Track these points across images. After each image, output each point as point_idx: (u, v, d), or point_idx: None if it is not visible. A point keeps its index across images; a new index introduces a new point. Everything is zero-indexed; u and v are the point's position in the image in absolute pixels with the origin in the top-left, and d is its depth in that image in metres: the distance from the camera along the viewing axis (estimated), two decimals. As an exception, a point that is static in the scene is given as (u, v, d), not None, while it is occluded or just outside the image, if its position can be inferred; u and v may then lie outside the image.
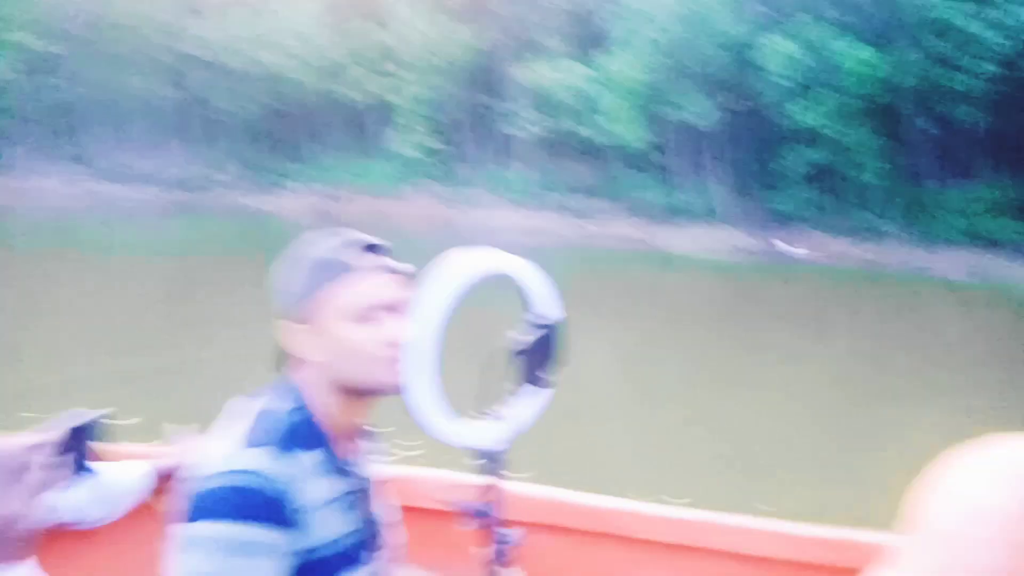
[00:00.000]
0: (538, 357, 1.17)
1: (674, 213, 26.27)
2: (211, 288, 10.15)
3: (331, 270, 1.05)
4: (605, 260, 21.43)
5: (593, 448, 6.97)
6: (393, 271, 1.10)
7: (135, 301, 8.75)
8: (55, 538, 1.28)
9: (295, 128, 33.69)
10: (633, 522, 1.76)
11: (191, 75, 32.39)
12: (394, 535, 1.28)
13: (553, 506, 1.81)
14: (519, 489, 1.76)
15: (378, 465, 1.22)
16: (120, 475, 1.40)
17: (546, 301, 1.19)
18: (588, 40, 27.75)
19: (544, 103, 27.30)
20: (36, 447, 0.83)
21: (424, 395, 1.05)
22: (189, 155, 34.21)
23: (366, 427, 1.19)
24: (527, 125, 27.78)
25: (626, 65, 25.46)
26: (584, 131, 26.86)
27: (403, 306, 1.07)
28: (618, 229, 25.87)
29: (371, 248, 1.10)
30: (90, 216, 21.69)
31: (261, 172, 32.64)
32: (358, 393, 1.08)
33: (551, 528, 1.80)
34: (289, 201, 29.74)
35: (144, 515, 1.43)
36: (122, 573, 1.50)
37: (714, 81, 25.42)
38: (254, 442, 1.00)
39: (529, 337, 1.14)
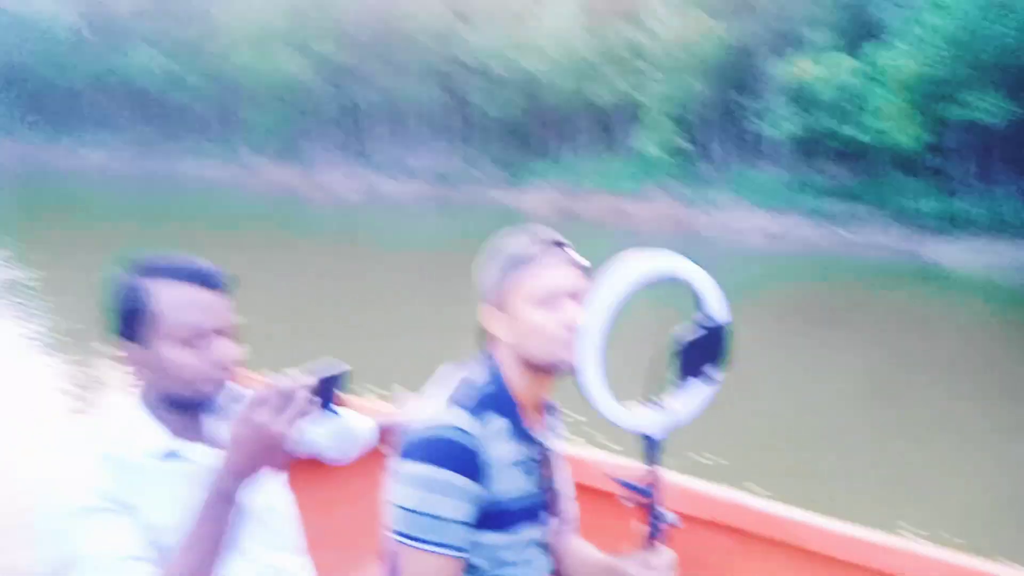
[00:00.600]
0: (704, 354, 1.25)
1: (951, 223, 23.09)
2: (458, 278, 11.08)
3: (520, 262, 1.23)
4: (860, 271, 19.43)
5: (824, 473, 6.54)
6: (574, 264, 1.26)
7: (394, 289, 9.82)
8: (299, 466, 1.62)
9: (545, 127, 35.14)
10: (799, 531, 1.74)
11: (457, 79, 35.23)
12: (570, 506, 1.44)
13: (710, 501, 1.85)
14: (679, 480, 1.84)
15: (558, 440, 1.38)
16: (356, 423, 1.70)
17: (716, 304, 1.26)
18: (859, 31, 25.33)
19: (802, 99, 25.45)
20: (297, 385, 1.03)
21: (592, 375, 1.19)
22: (450, 152, 37.37)
23: (549, 402, 1.36)
24: (780, 123, 26.09)
25: (902, 57, 22.86)
26: (847, 130, 24.59)
27: (582, 295, 1.21)
28: (879, 238, 23.37)
29: (556, 243, 1.26)
30: (366, 208, 24.54)
31: (510, 169, 34.55)
32: (540, 369, 1.25)
33: (708, 523, 1.84)
34: (533, 197, 31.11)
35: (371, 460, 1.73)
36: (349, 504, 1.82)
37: (1013, 74, 21.88)
38: (455, 404, 1.21)
39: (695, 335, 1.22)
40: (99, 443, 1.09)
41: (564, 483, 1.40)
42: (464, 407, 1.20)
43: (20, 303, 5.81)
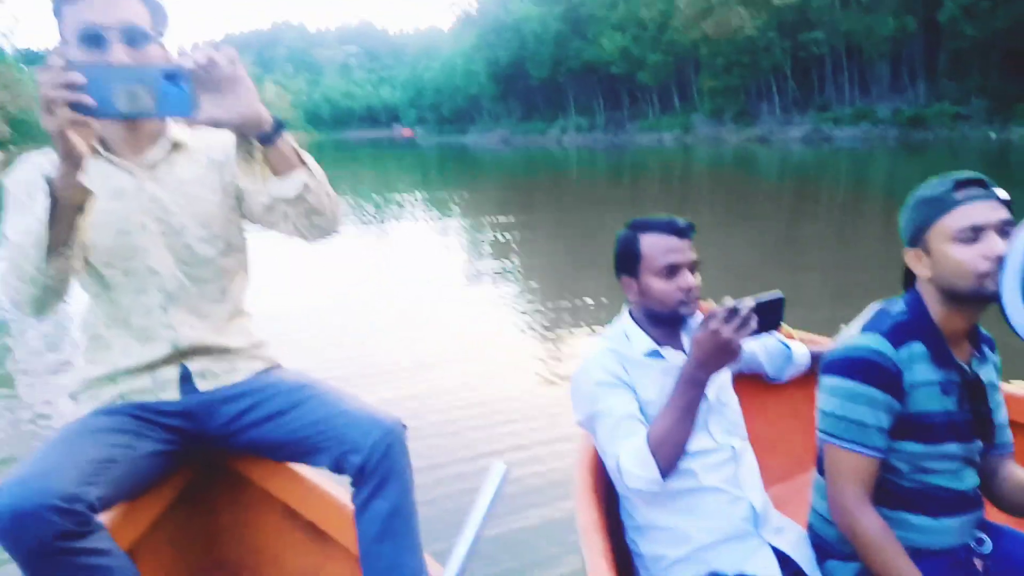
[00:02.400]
0: None
1: None
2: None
3: (939, 204, 1.34)
4: None
5: None
6: (996, 199, 1.30)
7: (846, 229, 9.24)
8: (746, 381, 1.89)
9: None
10: None
11: (943, 5, 30.21)
12: (1004, 433, 1.48)
13: None
14: None
15: (988, 369, 1.44)
16: (792, 347, 1.93)
17: None
18: None
19: None
20: (742, 305, 1.30)
21: (1014, 302, 1.24)
22: (921, 91, 32.43)
23: (984, 335, 1.43)
24: None
25: None
26: None
27: (1006, 227, 1.27)
28: None
29: (976, 182, 1.32)
30: (822, 157, 23.05)
31: (1010, 103, 28.41)
32: (962, 300, 1.34)
33: None
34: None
35: (806, 380, 1.88)
36: (789, 417, 1.99)
37: None
38: (871, 329, 1.40)
39: None
40: (609, 342, 1.58)
41: (996, 410, 1.44)
42: (879, 331, 1.36)
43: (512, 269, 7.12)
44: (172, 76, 1.05)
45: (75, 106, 1.02)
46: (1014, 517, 1.55)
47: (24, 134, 56.81)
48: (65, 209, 1.14)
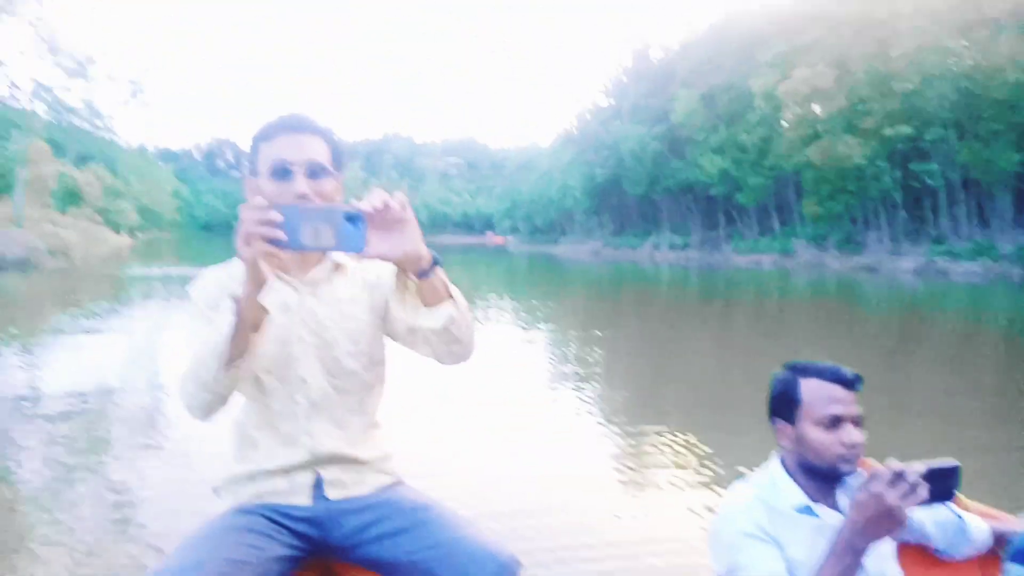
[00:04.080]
0: None
1: None
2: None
3: None
4: None
5: None
6: None
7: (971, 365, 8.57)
8: (911, 552, 1.63)
9: None
10: None
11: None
12: None
13: None
14: None
15: None
16: (969, 521, 1.66)
17: None
18: None
19: None
20: (911, 470, 1.22)
21: None
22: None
23: None
24: None
25: None
26: None
27: None
28: None
29: None
30: (932, 291, 22.03)
31: None
32: None
33: None
34: None
35: (986, 562, 1.61)
36: None
37: None
38: None
39: None
40: (756, 490, 1.45)
41: None
42: None
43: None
44: (352, 218, 1.21)
45: (270, 240, 1.19)
46: None
47: (150, 221, 63.01)
48: (245, 325, 1.30)
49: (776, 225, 46.45)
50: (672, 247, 53.57)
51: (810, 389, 1.42)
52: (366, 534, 1.47)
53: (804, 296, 21.02)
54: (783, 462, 1.48)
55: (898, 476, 1.21)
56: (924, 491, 1.22)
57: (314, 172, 1.44)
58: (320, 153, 1.46)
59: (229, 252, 1.30)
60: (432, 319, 1.38)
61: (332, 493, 1.50)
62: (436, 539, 1.39)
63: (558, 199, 66.82)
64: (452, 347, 1.41)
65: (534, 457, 4.61)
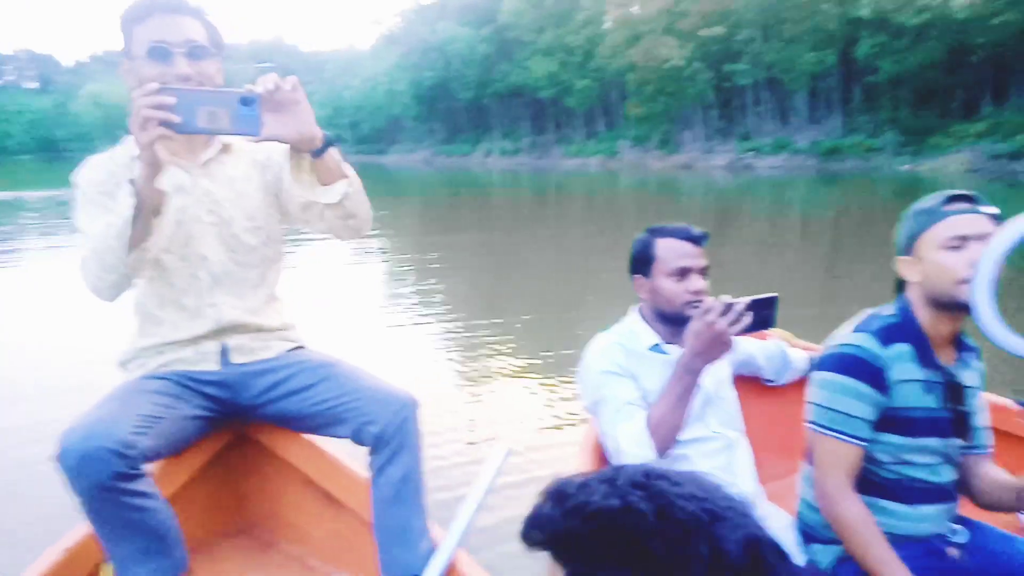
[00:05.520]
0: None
1: None
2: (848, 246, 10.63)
3: (931, 216, 1.46)
4: None
5: None
6: (981, 212, 1.43)
7: (762, 250, 9.78)
8: (746, 383, 2.00)
9: (970, 81, 30.44)
10: None
11: (859, 41, 32.47)
12: (984, 435, 1.59)
13: None
14: None
15: (971, 374, 1.55)
16: (789, 352, 2.08)
17: None
18: None
19: None
20: (737, 301, 1.45)
21: (984, 306, 1.34)
22: (839, 123, 34.66)
23: (967, 342, 1.55)
24: None
25: None
26: None
27: (988, 239, 1.38)
28: None
29: (965, 197, 1.45)
30: (741, 185, 24.25)
31: (919, 136, 30.73)
32: (946, 307, 1.46)
33: None
34: (953, 164, 27.29)
35: (804, 385, 1.95)
36: (785, 419, 2.07)
37: None
38: (861, 330, 1.51)
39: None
40: (616, 336, 1.72)
41: (976, 413, 1.56)
42: (868, 332, 1.49)
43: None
44: (246, 101, 1.25)
45: (165, 123, 1.23)
46: (988, 512, 1.68)
47: None
48: (145, 209, 1.35)
49: (602, 128, 48.29)
50: (503, 153, 54.10)
51: (664, 246, 1.67)
52: (274, 392, 1.61)
53: (629, 195, 22.38)
54: (640, 312, 1.75)
55: (727, 307, 1.45)
56: (748, 319, 1.45)
57: (195, 53, 1.45)
58: (198, 33, 1.46)
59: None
60: (328, 195, 1.48)
61: (238, 358, 1.61)
62: (342, 389, 1.56)
63: (385, 105, 64.53)
64: (348, 221, 1.52)
65: (373, 352, 4.78)
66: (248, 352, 1.62)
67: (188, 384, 1.57)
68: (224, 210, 1.58)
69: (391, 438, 1.50)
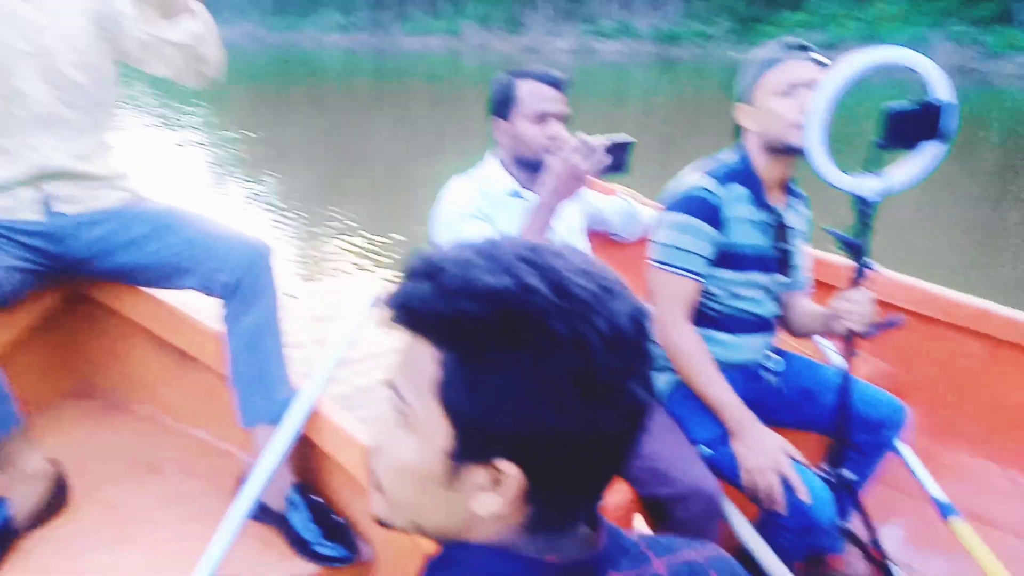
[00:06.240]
0: (922, 130, 1.50)
1: None
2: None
3: (764, 64, 1.56)
4: None
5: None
6: (815, 61, 1.55)
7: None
8: (597, 239, 2.11)
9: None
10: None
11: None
12: (802, 275, 1.80)
13: (958, 307, 2.11)
14: (939, 290, 2.15)
15: (797, 217, 1.72)
16: (639, 209, 2.17)
17: (940, 87, 1.47)
18: None
19: None
20: (595, 140, 1.45)
21: (817, 146, 1.50)
22: (677, 10, 35.57)
23: (796, 189, 1.72)
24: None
25: None
26: None
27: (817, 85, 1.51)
28: None
29: (800, 47, 1.56)
30: (584, 69, 24.61)
31: (752, 25, 32.25)
32: (780, 151, 1.59)
33: (959, 328, 2.09)
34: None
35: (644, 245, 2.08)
36: (634, 273, 2.20)
37: None
38: (704, 174, 1.63)
39: (906, 107, 1.46)
40: (474, 180, 1.73)
41: (798, 252, 1.76)
42: (710, 174, 1.62)
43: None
44: None
45: None
46: (799, 340, 1.93)
47: None
48: None
49: (444, 6, 46.42)
50: (339, 29, 50.89)
51: (525, 89, 1.66)
52: (108, 243, 1.51)
53: (475, 78, 22.00)
54: (498, 157, 1.76)
55: (584, 144, 1.45)
56: (605, 158, 1.46)
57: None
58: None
59: None
60: (174, 32, 1.38)
61: (64, 208, 1.50)
62: (185, 237, 1.49)
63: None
64: (199, 66, 1.44)
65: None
66: (75, 201, 1.52)
67: (6, 235, 1.47)
68: (44, 39, 1.45)
69: (244, 286, 1.45)
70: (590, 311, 0.51)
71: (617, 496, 1.53)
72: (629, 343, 0.52)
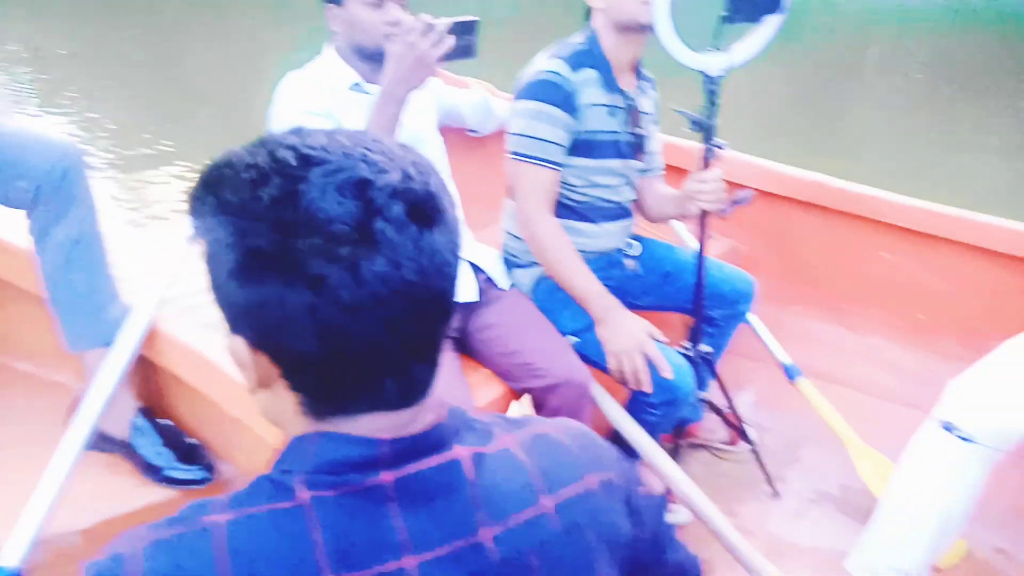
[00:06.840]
0: (762, 4, 1.54)
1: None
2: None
3: None
4: None
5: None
6: None
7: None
8: (452, 135, 1.99)
9: None
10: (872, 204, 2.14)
11: None
12: (656, 159, 1.82)
13: (793, 180, 2.24)
14: (775, 166, 2.25)
15: (647, 100, 1.73)
16: (493, 103, 2.09)
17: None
18: None
19: None
20: (439, 21, 1.34)
21: (664, 24, 1.50)
22: None
23: (644, 72, 1.73)
24: None
25: None
26: None
27: None
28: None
29: None
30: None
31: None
32: (628, 30, 1.58)
33: (792, 200, 2.22)
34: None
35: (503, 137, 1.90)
36: (489, 168, 2.11)
37: None
38: (554, 57, 1.60)
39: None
40: (311, 75, 1.60)
41: (651, 137, 1.78)
42: (561, 58, 1.59)
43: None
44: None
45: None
46: (655, 225, 1.97)
47: None
48: None
49: None
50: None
51: None
52: None
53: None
54: (336, 48, 1.63)
55: (429, 27, 1.34)
56: (451, 40, 1.35)
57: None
58: None
59: None
60: None
61: None
62: None
63: None
64: None
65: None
66: None
67: None
68: None
69: (52, 194, 1.30)
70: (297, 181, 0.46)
71: (491, 392, 1.55)
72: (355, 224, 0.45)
